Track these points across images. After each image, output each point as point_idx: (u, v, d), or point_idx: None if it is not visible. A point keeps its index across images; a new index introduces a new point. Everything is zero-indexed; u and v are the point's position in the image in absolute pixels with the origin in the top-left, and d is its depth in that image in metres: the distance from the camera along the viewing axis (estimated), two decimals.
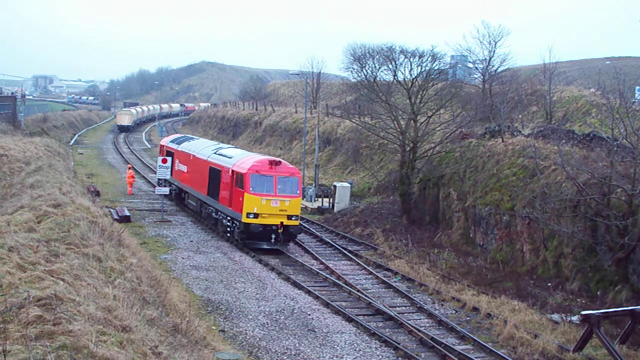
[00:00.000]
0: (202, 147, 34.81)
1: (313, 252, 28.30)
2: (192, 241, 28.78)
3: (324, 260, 26.91)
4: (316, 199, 40.57)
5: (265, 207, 26.96)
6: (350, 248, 29.82)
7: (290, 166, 29.04)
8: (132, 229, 29.14)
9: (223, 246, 28.41)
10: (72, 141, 75.74)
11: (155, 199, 37.32)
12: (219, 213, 30.01)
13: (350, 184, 40.06)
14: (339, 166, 50.82)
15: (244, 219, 26.97)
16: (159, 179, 36.48)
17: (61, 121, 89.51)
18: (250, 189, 26.88)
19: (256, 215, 26.92)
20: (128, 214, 31.57)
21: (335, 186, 38.30)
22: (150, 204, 36.79)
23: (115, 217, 30.26)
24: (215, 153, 32.14)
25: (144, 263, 19.01)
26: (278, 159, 29.49)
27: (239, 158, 29.50)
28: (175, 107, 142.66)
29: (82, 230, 17.12)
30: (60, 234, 16.25)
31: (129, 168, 45.06)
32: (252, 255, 27.00)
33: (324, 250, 29.43)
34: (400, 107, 36.26)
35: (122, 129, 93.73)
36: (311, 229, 33.10)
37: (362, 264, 26.92)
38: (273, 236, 27.40)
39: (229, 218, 28.71)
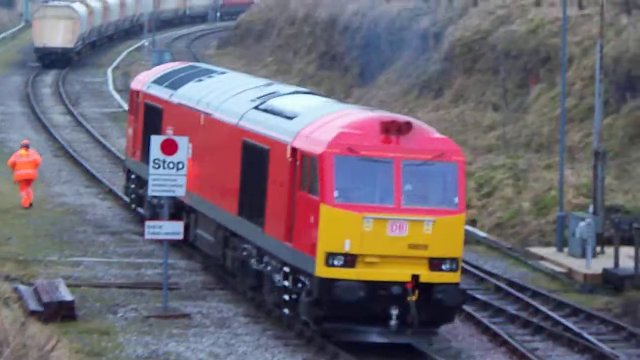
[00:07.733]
0: (231, 95, 17.12)
1: None
2: None
3: None
4: (598, 248, 19.37)
5: (373, 237, 13.10)
6: None
7: (436, 135, 14.16)
8: (79, 339, 13.38)
9: None
10: None
11: (144, 247, 18.83)
12: (265, 256, 15.08)
13: None
14: None
15: (320, 270, 13.01)
16: (150, 197, 18.80)
17: None
18: (336, 193, 12.85)
19: (351, 260, 13.07)
20: (68, 299, 14.88)
21: None
22: (131, 264, 18.13)
23: (32, 306, 14.61)
24: (257, 108, 15.79)
25: None
26: (406, 117, 14.81)
27: (311, 118, 14.08)
28: None
29: None
30: None
31: (24, 146, 23.52)
32: None
33: None
34: None
35: (49, 57, 52.01)
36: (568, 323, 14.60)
37: None
38: (394, 312, 13.11)
39: (286, 269, 14.16)
